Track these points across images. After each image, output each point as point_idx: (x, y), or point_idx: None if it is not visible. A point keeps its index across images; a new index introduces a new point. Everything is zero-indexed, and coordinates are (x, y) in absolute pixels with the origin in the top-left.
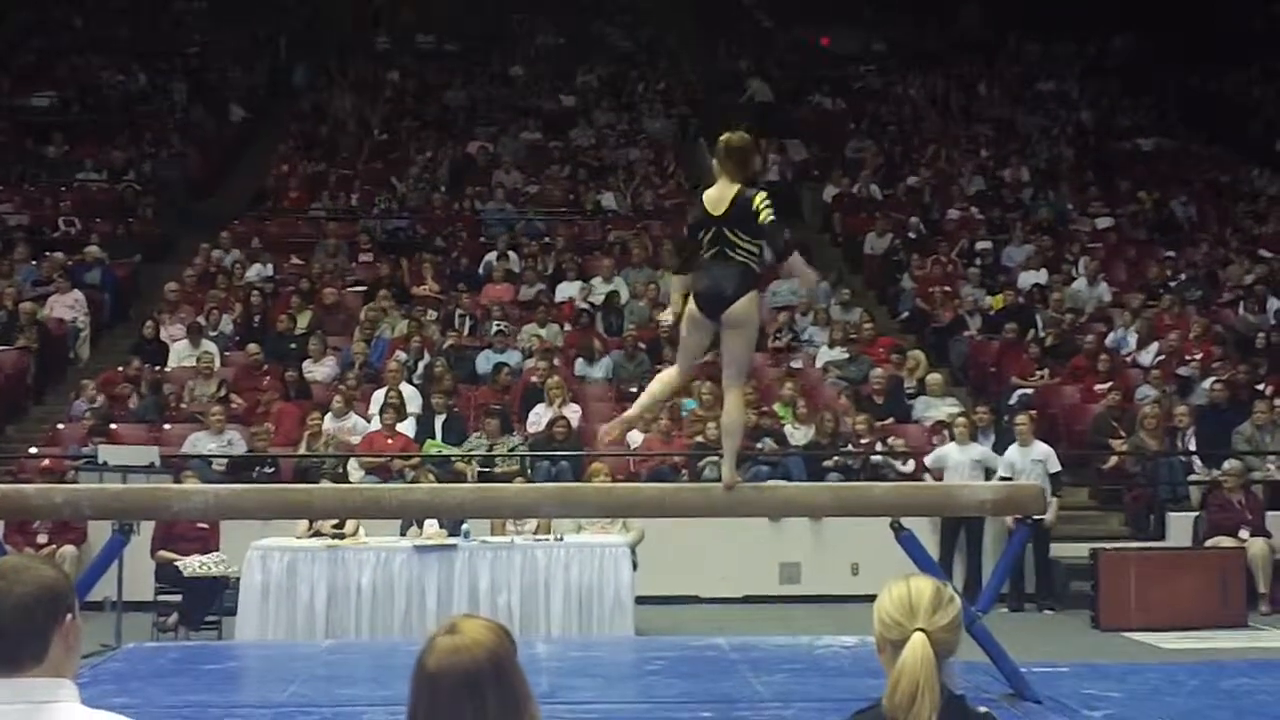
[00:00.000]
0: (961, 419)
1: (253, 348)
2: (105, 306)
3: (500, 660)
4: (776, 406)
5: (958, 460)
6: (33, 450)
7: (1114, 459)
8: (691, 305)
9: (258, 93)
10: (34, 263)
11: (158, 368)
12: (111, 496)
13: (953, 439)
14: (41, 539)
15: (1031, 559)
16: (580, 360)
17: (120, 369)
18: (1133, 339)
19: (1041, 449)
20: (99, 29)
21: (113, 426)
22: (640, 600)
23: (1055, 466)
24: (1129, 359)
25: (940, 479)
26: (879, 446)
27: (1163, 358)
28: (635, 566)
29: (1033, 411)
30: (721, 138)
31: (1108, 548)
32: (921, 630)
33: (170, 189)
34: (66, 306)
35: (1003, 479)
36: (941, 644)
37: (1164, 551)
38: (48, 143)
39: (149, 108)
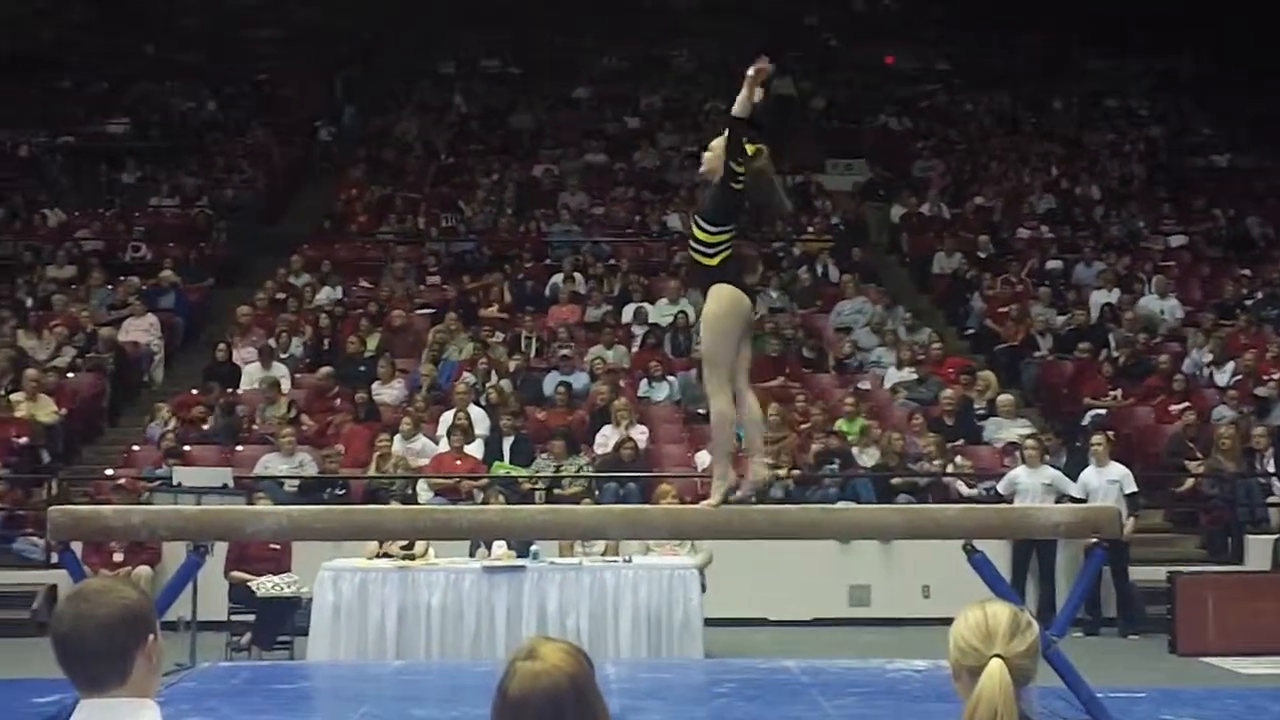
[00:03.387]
0: (1031, 441)
1: (324, 371)
2: (179, 330)
3: (580, 683)
4: (842, 426)
5: (1028, 483)
6: (109, 472)
7: (1190, 481)
8: (745, 299)
9: (326, 118)
10: (109, 287)
11: (230, 390)
12: (187, 518)
13: (1023, 461)
14: (117, 559)
15: (1110, 582)
16: (646, 381)
17: (194, 391)
18: (1208, 358)
19: (1118, 470)
20: (170, 56)
21: (186, 448)
22: (709, 622)
23: (1131, 487)
24: (1205, 378)
25: (1011, 503)
26: (949, 468)
27: (1239, 377)
28: (704, 588)
29: (1110, 432)
30: None
31: (1185, 571)
32: (999, 657)
33: (241, 214)
34: (141, 330)
35: (1076, 500)
36: (1019, 670)
37: (1242, 575)
38: (122, 169)
39: (220, 134)
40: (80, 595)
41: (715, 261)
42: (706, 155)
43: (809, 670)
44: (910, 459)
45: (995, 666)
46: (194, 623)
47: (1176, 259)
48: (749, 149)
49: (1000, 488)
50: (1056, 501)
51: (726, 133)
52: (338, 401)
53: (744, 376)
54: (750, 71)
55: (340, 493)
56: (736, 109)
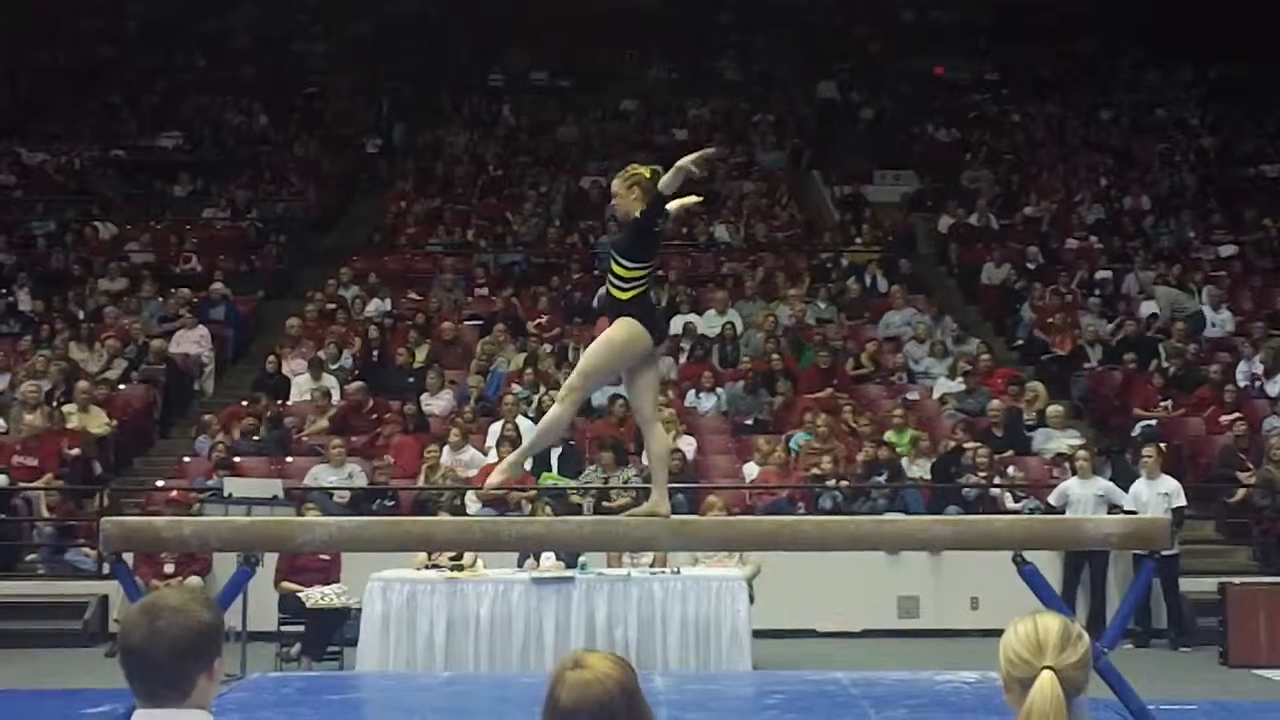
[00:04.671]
0: (1083, 452)
1: (356, 385)
2: (229, 341)
3: (630, 691)
4: (891, 437)
5: (1079, 495)
6: (160, 483)
7: (1241, 492)
8: (646, 335)
9: (372, 134)
10: (160, 299)
11: (280, 401)
12: (238, 529)
13: (1074, 473)
14: (168, 569)
15: (1160, 594)
16: (694, 392)
17: (244, 403)
18: (1259, 369)
19: (1169, 483)
20: (222, 70)
21: (237, 460)
22: (757, 634)
23: (1180, 501)
24: (1256, 389)
25: (1062, 514)
26: (997, 479)
27: None
28: (752, 600)
29: (1161, 444)
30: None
31: (1236, 582)
32: (1050, 668)
33: (291, 226)
34: (192, 342)
35: (1127, 512)
36: (1070, 682)
37: None
38: (174, 182)
39: (271, 147)
40: (155, 610)
41: (627, 295)
42: (616, 196)
43: (859, 682)
44: (962, 470)
45: (1046, 678)
46: (244, 633)
47: (1227, 269)
48: (645, 172)
49: (1052, 499)
50: (1109, 513)
51: (649, 202)
52: (375, 414)
53: (651, 409)
54: (689, 160)
55: (390, 504)
56: (663, 184)
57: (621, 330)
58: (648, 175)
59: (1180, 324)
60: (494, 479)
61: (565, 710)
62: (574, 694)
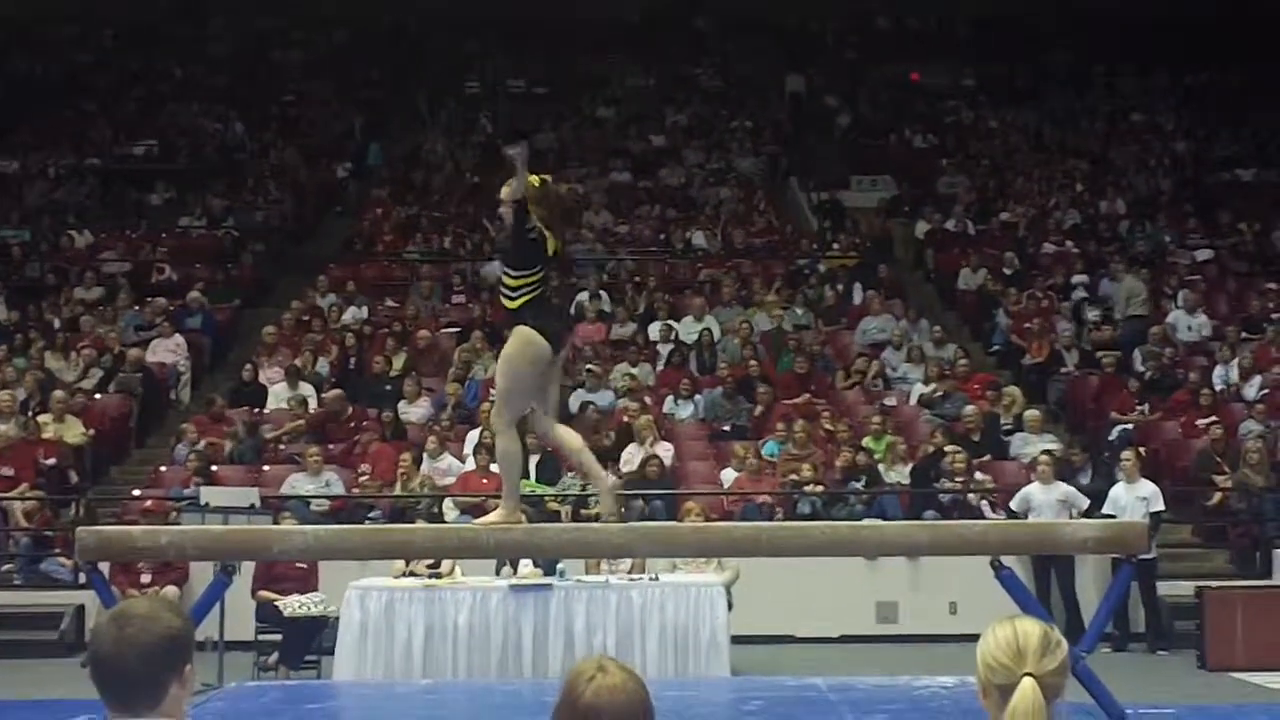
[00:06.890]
0: (1044, 458)
1: (334, 394)
2: (206, 350)
3: (648, 709)
4: (868, 443)
5: (1041, 500)
6: (136, 492)
7: (1218, 496)
8: (544, 343)
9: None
10: (136, 308)
11: (256, 410)
12: (215, 538)
13: (1037, 478)
14: (145, 579)
15: (1138, 598)
16: (672, 399)
17: (222, 409)
18: (1235, 373)
19: (1148, 487)
20: (198, 78)
21: (214, 468)
22: (736, 640)
23: (1159, 506)
24: (1232, 393)
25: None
26: (972, 484)
27: (1266, 391)
28: (730, 606)
29: (1140, 449)
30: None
31: (1213, 586)
32: (1030, 675)
33: (268, 235)
34: (169, 350)
35: (1105, 516)
36: (1050, 688)
37: (1271, 589)
38: (149, 191)
39: (247, 155)
40: (125, 618)
41: (515, 304)
42: (503, 204)
43: (837, 687)
44: (939, 476)
45: (1028, 685)
46: (221, 642)
47: (1203, 273)
48: (534, 180)
49: (1013, 505)
50: (1070, 518)
51: (514, 211)
52: (354, 422)
53: (553, 413)
54: (513, 152)
55: (372, 515)
56: (511, 194)
57: (515, 344)
58: (536, 184)
59: (1156, 328)
60: (492, 520)
61: (584, 709)
62: (600, 697)
